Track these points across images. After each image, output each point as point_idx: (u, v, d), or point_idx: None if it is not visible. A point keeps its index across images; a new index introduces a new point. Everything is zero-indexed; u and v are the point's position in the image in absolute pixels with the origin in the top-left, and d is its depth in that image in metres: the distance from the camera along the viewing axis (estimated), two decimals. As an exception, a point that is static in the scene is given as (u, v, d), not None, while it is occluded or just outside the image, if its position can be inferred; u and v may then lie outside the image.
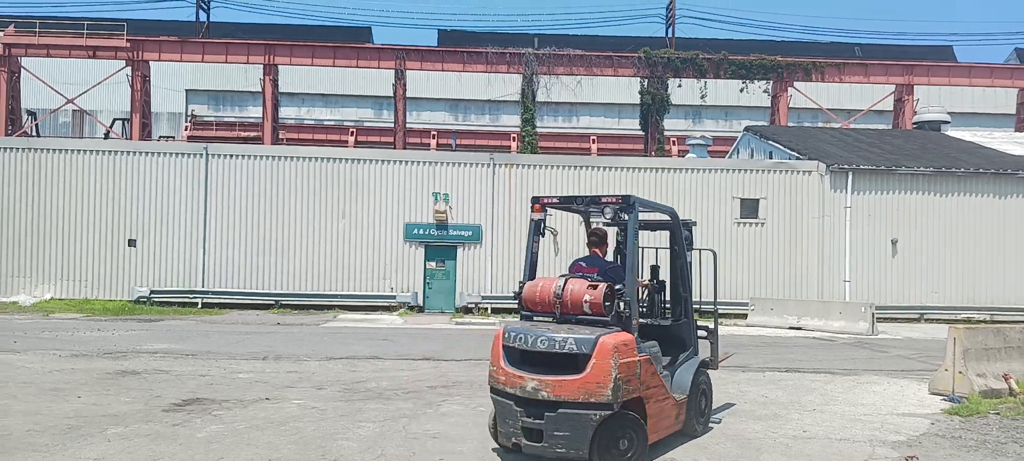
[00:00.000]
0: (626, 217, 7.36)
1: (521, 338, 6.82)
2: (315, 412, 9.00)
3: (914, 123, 36.48)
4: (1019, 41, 56.74)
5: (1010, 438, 8.43)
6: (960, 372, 10.73)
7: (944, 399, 10.58)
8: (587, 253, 8.01)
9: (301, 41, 42.65)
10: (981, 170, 26.23)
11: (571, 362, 6.54)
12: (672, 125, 45.71)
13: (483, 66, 40.18)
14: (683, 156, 35.45)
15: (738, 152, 34.34)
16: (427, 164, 25.92)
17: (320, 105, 53.12)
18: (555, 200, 7.88)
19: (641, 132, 43.02)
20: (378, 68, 41.58)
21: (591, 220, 8.71)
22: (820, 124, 44.40)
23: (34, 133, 41.33)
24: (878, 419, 9.36)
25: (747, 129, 34.14)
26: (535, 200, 7.79)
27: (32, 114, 42.52)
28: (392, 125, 42.27)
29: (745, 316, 23.64)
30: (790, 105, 41.21)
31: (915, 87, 40.48)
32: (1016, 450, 7.91)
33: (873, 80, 41.01)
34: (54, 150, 25.75)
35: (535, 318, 7.45)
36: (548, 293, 7.23)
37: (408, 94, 41.92)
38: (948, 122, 35.42)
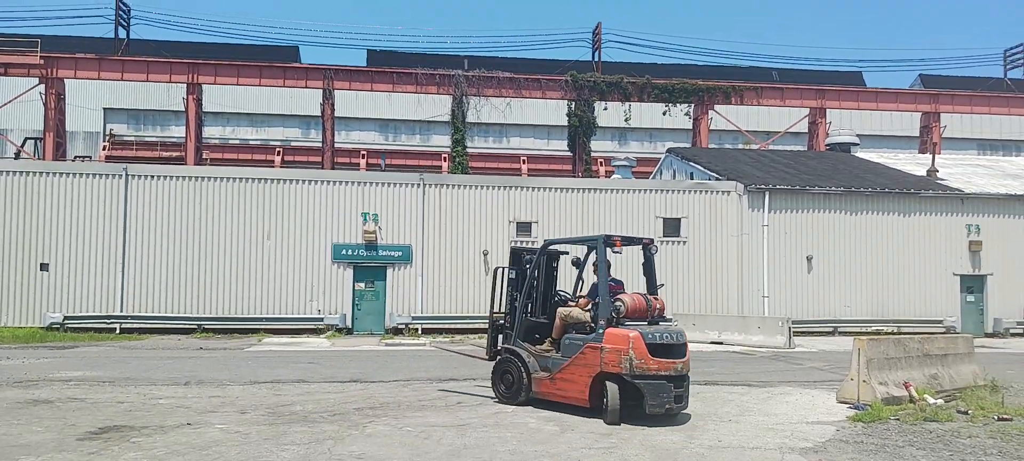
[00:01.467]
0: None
1: (662, 336, 10.09)
2: (238, 436, 8.90)
3: (826, 145, 38.25)
4: (922, 68, 60.19)
5: (907, 442, 8.99)
6: (864, 381, 11.36)
7: (850, 407, 11.18)
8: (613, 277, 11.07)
9: (226, 60, 41.86)
10: (886, 190, 27.72)
11: (681, 349, 10.25)
12: (599, 146, 46.65)
13: (413, 87, 40.28)
14: (610, 176, 36.25)
15: (661, 173, 35.34)
16: (356, 184, 25.82)
17: (246, 124, 52.13)
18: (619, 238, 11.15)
19: (569, 153, 43.79)
20: (306, 88, 41.19)
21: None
22: (739, 146, 46.07)
23: (-64, 153, 39.32)
24: (789, 428, 9.84)
25: (669, 150, 35.18)
26: (611, 237, 11.00)
27: (-65, 132, 40.48)
28: (320, 145, 41.84)
29: (669, 332, 24.22)
30: (711, 127, 42.63)
31: (827, 110, 42.47)
32: (912, 452, 8.45)
33: (789, 103, 42.86)
34: (-41, 171, 24.57)
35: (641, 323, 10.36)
36: (641, 304, 10.49)
37: (337, 114, 41.61)
38: (857, 144, 37.28)
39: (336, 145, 41.84)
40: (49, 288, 24.10)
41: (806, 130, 43.73)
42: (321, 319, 24.58)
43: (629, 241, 11.40)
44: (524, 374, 10.80)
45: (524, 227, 26.16)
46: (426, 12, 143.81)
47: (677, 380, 9.88)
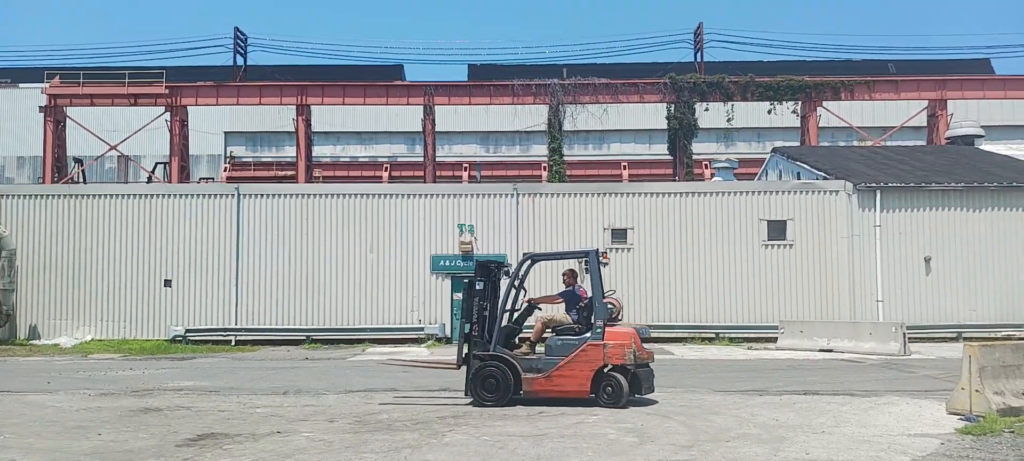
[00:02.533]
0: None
1: (643, 332, 12.38)
2: (322, 444, 9.20)
3: (946, 138, 35.83)
4: (1060, 50, 55.39)
5: (1019, 457, 8.25)
6: (976, 390, 10.51)
7: (961, 419, 10.37)
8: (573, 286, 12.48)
9: (334, 81, 43.66)
10: (1015, 184, 25.65)
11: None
12: (703, 148, 45.58)
13: (510, 98, 40.66)
14: (711, 179, 35.30)
15: (767, 174, 34.10)
16: (452, 196, 26.30)
17: (355, 142, 54.17)
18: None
19: (670, 156, 42.98)
20: (408, 105, 42.36)
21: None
22: (854, 143, 43.82)
23: (81, 180, 42.88)
24: (887, 440, 9.23)
25: (775, 150, 33.91)
26: (600, 251, 12.64)
27: (79, 161, 44.13)
28: (424, 159, 42.89)
29: (775, 340, 23.34)
30: (821, 125, 40.79)
31: (948, 101, 39.77)
32: (1022, 469, 7.75)
33: (904, 96, 40.44)
34: (94, 195, 26.79)
35: None
36: (619, 306, 12.62)
37: (438, 128, 42.55)
38: (982, 136, 34.74)
39: (438, 159, 42.77)
40: (172, 303, 25.79)
41: (925, 124, 41.11)
42: (421, 329, 25.14)
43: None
44: (512, 377, 11.70)
45: (619, 234, 25.85)
46: (525, 24, 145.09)
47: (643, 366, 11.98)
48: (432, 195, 26.51)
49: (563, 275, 12.68)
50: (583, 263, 12.65)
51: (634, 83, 40.86)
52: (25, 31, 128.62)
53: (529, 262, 12.63)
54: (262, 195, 26.63)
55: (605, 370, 11.48)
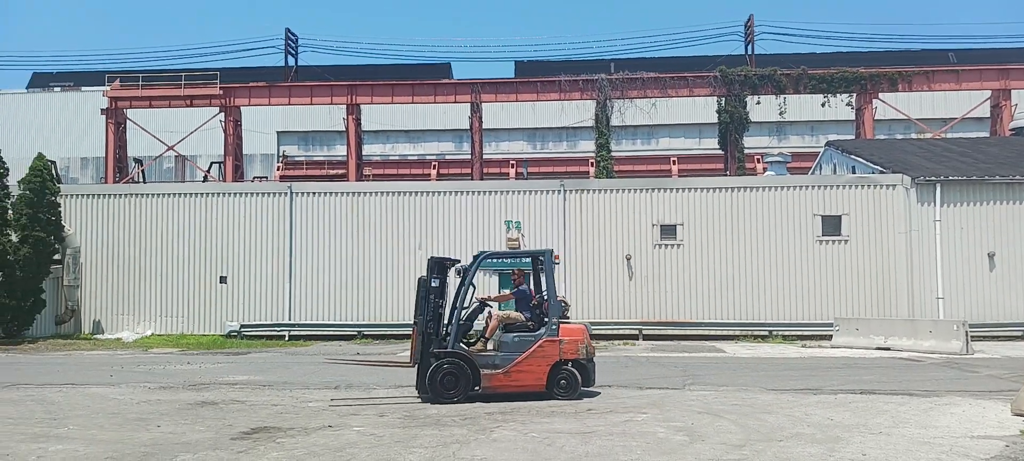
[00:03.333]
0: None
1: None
2: (372, 439, 9.32)
3: (1011, 129, 34.51)
4: None
5: (1090, 461, 7.91)
6: (1044, 391, 10.13)
7: (1027, 420, 10.00)
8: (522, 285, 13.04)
9: (383, 80, 44.11)
10: (1085, 176, 24.57)
11: None
12: (754, 142, 44.77)
13: (556, 94, 40.51)
14: (763, 174, 34.64)
15: (820, 168, 33.34)
16: (499, 193, 26.35)
17: (404, 141, 54.66)
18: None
19: (721, 151, 42.32)
20: (455, 102, 42.56)
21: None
22: (912, 136, 42.53)
23: (140, 179, 44.18)
24: (948, 442, 8.94)
25: (829, 144, 33.12)
26: (552, 252, 13.43)
27: (139, 161, 45.46)
28: (470, 157, 43.04)
29: (829, 337, 22.81)
30: (877, 117, 39.66)
31: (1012, 91, 38.28)
32: (1094, 474, 7.43)
33: (966, 87, 39.07)
34: (153, 195, 27.58)
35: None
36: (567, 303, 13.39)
37: (485, 126, 42.65)
38: (1049, 126, 33.34)
39: (485, 156, 42.88)
40: (227, 299, 26.40)
41: (988, 115, 39.65)
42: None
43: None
44: (470, 373, 11.91)
45: (668, 230, 25.56)
46: (573, 20, 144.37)
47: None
48: (480, 192, 26.61)
49: (512, 274, 13.25)
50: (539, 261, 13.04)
51: (683, 77, 40.34)
52: (87, 36, 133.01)
53: (482, 259, 12.79)
54: (314, 193, 27.07)
55: (561, 365, 12.07)
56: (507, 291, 13.30)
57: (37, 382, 14.98)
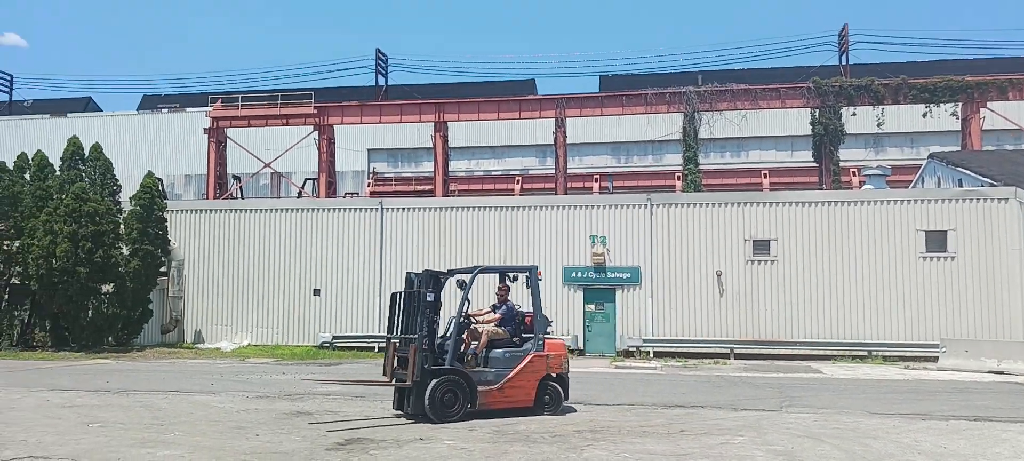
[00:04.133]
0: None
1: None
2: (463, 453, 9.32)
3: None
4: None
5: None
6: None
7: None
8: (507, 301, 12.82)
9: (469, 97, 44.75)
10: None
11: None
12: (850, 155, 43.10)
13: (643, 107, 40.12)
14: (861, 187, 33.27)
15: (923, 181, 31.76)
16: (584, 208, 26.20)
17: (488, 157, 55.20)
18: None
19: (815, 164, 40.92)
20: (540, 118, 42.75)
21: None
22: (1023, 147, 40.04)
23: (239, 195, 46.13)
24: (1078, 476, 8.26)
25: (932, 156, 31.54)
26: (536, 268, 13.30)
27: (237, 178, 47.54)
28: (554, 172, 43.07)
29: (935, 359, 21.59)
30: (985, 127, 37.55)
31: None
32: None
33: (1087, 93, 36.54)
34: (252, 210, 28.74)
35: None
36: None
37: (569, 140, 42.64)
38: None
39: (569, 171, 42.83)
40: (321, 311, 27.18)
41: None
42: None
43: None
44: (469, 390, 11.58)
45: (761, 245, 24.81)
46: (658, 33, 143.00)
47: None
48: (564, 207, 26.53)
49: (499, 290, 12.81)
50: (526, 277, 12.86)
51: (775, 88, 39.27)
52: (189, 60, 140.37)
53: (478, 273, 12.61)
54: (403, 209, 27.62)
55: (547, 380, 12.16)
56: (488, 307, 12.98)
57: (145, 389, 15.72)
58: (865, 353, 23.43)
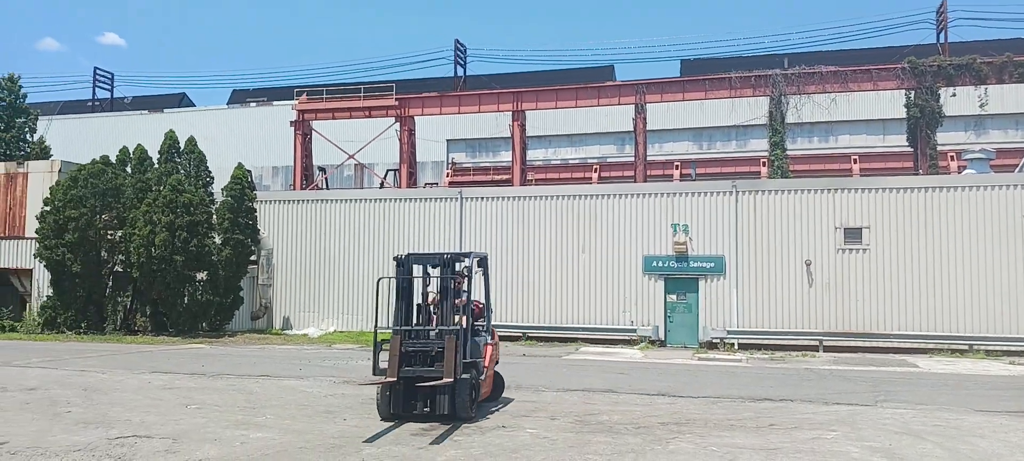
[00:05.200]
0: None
1: None
2: (546, 442, 9.30)
3: None
4: None
5: None
6: None
7: None
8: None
9: (547, 86, 44.55)
10: None
11: None
12: (948, 138, 40.83)
13: (727, 92, 39.02)
14: (961, 172, 31.52)
15: (1031, 165, 29.80)
16: (665, 195, 25.73)
17: (565, 145, 54.84)
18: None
19: (910, 148, 38.99)
20: (619, 105, 42.15)
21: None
22: None
23: (324, 186, 47.34)
24: None
25: (1042, 137, 29.53)
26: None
27: (322, 169, 48.77)
28: (633, 159, 42.46)
29: (1044, 354, 20.31)
30: (1100, 106, 34.94)
31: None
32: None
33: None
34: (336, 200, 29.45)
35: None
36: None
37: (649, 127, 41.88)
38: None
39: (649, 158, 42.14)
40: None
41: None
42: (634, 330, 24.83)
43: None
44: (477, 384, 10.91)
45: (853, 234, 23.82)
46: (742, 15, 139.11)
47: None
48: (645, 195, 26.11)
49: (453, 281, 11.18)
50: (477, 264, 11.65)
51: (866, 69, 37.54)
52: (276, 55, 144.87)
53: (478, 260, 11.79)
54: (482, 198, 27.76)
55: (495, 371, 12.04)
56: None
57: (238, 373, 16.34)
58: (965, 346, 22.24)
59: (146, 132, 49.78)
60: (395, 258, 11.47)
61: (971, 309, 22.73)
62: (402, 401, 10.60)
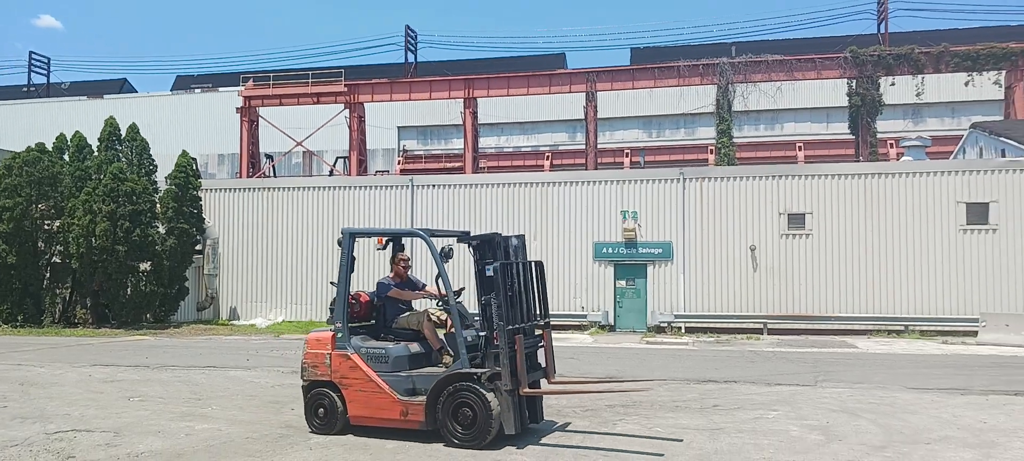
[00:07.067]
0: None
1: None
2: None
3: None
4: None
5: None
6: None
7: None
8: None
9: (499, 73, 44.50)
10: None
11: None
12: (888, 126, 42.08)
13: (675, 80, 39.52)
14: (900, 159, 32.54)
15: (964, 152, 31.00)
16: (615, 183, 25.99)
17: (517, 133, 54.98)
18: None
19: (852, 136, 40.08)
20: (570, 92, 42.36)
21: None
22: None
23: (271, 174, 46.57)
24: (1126, 452, 8.05)
25: (974, 126, 30.74)
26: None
27: (269, 157, 47.97)
28: (585, 147, 42.76)
29: (975, 334, 21.15)
30: (1030, 95, 36.36)
31: None
32: None
33: None
34: (284, 188, 29.01)
35: None
36: None
37: (600, 115, 42.20)
38: None
39: (599, 145, 42.48)
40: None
41: None
42: (584, 316, 25.09)
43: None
44: None
45: (796, 219, 24.42)
46: (692, 4, 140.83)
47: None
48: (595, 182, 26.34)
49: (399, 261, 9.69)
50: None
51: (810, 58, 38.42)
52: (221, 40, 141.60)
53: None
54: (433, 186, 27.66)
55: None
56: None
57: (183, 364, 16.04)
58: (901, 328, 23.04)
59: (85, 119, 48.27)
60: (469, 238, 9.30)
61: (908, 291, 23.54)
62: (520, 413, 8.44)
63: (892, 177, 24.26)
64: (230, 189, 29.71)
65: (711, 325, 24.13)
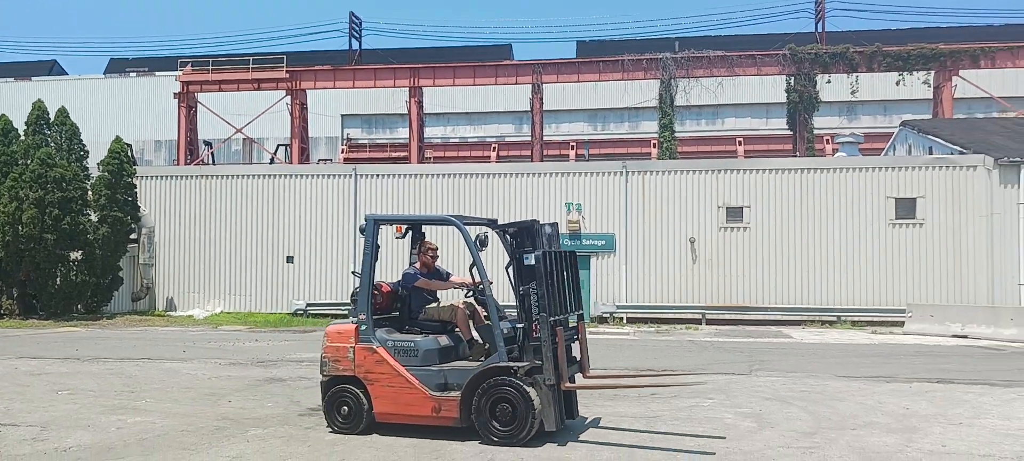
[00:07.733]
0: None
1: None
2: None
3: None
4: None
5: None
6: None
7: (1122, 415, 9.44)
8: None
9: (445, 62, 44.24)
10: None
11: None
12: (824, 123, 43.32)
13: (619, 74, 39.95)
14: (834, 155, 33.56)
15: (894, 149, 32.13)
16: (560, 175, 26.18)
17: (464, 123, 54.78)
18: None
19: (790, 131, 41.16)
20: (516, 84, 42.38)
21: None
22: (994, 114, 40.55)
23: (210, 161, 45.44)
24: (1035, 435, 8.51)
25: (904, 124, 31.87)
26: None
27: (208, 144, 46.77)
28: (531, 139, 42.90)
29: (902, 324, 22.03)
30: (956, 96, 37.89)
31: (1107, 66, 36.09)
32: None
33: (1055, 62, 36.96)
34: (223, 176, 28.36)
35: None
36: None
37: (546, 107, 42.39)
38: None
39: (545, 138, 42.70)
40: (294, 279, 27.01)
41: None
42: (530, 307, 25.19)
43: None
44: None
45: (734, 212, 25.00)
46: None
47: None
48: (540, 174, 26.49)
49: (432, 251, 9.47)
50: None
51: (751, 55, 39.26)
52: (158, 22, 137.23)
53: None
54: (378, 176, 27.43)
55: None
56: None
57: (116, 356, 15.59)
58: (834, 318, 23.83)
59: (11, 102, 46.30)
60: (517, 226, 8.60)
61: (840, 283, 24.34)
62: (561, 409, 8.21)
63: (826, 172, 25.02)
64: (167, 176, 28.91)
65: (652, 315, 24.55)
